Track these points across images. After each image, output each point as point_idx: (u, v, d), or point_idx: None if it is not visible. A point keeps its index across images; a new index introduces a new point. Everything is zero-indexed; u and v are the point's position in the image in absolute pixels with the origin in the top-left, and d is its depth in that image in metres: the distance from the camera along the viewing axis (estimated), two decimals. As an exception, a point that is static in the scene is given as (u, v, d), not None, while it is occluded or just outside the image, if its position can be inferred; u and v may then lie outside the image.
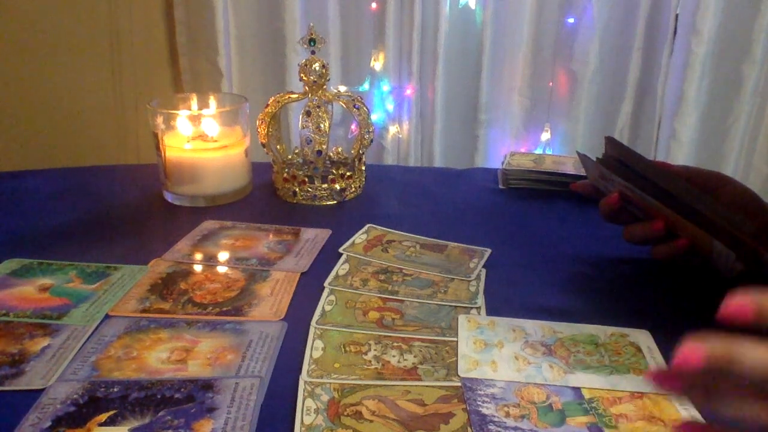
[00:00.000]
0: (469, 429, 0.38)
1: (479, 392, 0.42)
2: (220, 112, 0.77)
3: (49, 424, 0.38)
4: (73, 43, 1.31)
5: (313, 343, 0.46)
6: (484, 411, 0.40)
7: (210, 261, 0.60)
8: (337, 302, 0.52)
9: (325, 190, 0.74)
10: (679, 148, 1.31)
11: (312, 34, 0.72)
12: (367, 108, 0.75)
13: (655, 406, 0.41)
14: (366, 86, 1.36)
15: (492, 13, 1.27)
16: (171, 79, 1.38)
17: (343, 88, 1.27)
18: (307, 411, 0.39)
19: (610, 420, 0.40)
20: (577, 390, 0.42)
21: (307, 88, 0.73)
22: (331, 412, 0.39)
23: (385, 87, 1.35)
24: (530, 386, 0.43)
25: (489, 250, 0.63)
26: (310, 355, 0.45)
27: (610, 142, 0.58)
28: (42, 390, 0.41)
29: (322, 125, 0.71)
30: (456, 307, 0.52)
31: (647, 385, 0.43)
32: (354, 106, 0.74)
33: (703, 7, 1.21)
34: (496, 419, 0.39)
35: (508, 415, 0.40)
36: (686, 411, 0.40)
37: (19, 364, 0.43)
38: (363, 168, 0.78)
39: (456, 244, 0.64)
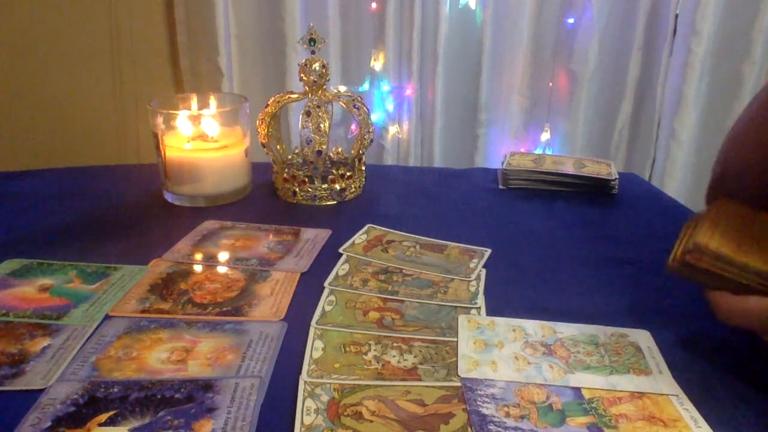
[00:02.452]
0: (469, 429, 0.38)
1: (479, 392, 0.42)
2: (220, 112, 0.77)
3: (49, 424, 0.38)
4: (73, 43, 1.31)
5: (313, 343, 0.46)
6: (484, 411, 0.40)
7: (210, 261, 0.60)
8: (337, 302, 0.52)
9: (325, 190, 0.74)
10: (678, 147, 1.31)
11: (312, 34, 0.72)
12: (367, 108, 0.75)
13: (655, 406, 0.41)
14: (366, 86, 1.36)
15: (492, 13, 1.28)
16: (171, 79, 1.38)
17: (343, 88, 1.27)
18: (307, 411, 0.39)
19: (610, 420, 0.40)
20: (577, 390, 0.42)
21: (307, 88, 0.73)
22: (331, 413, 0.39)
23: (385, 87, 1.35)
24: (530, 386, 0.43)
25: (489, 250, 0.63)
26: (310, 355, 0.45)
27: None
28: (42, 390, 0.41)
29: (322, 125, 0.71)
30: (456, 307, 0.52)
31: (647, 385, 0.43)
32: (354, 106, 0.74)
33: (703, 7, 1.21)
34: (496, 419, 0.39)
35: (508, 415, 0.40)
36: (686, 411, 0.40)
37: (19, 364, 0.43)
38: (363, 168, 0.78)
39: (456, 244, 0.64)
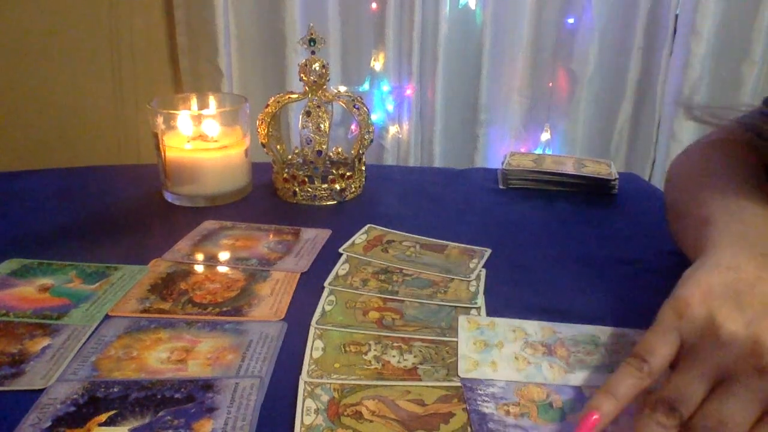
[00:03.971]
0: (469, 429, 0.38)
1: (479, 391, 0.42)
2: (221, 112, 0.77)
3: (49, 424, 0.38)
4: (73, 44, 1.31)
5: (313, 343, 0.46)
6: (484, 410, 0.40)
7: (210, 261, 0.60)
8: (337, 302, 0.52)
9: (325, 190, 0.74)
10: (678, 148, 1.31)
11: (312, 34, 0.72)
12: (367, 108, 0.75)
13: None
14: (366, 86, 1.36)
15: (492, 13, 1.28)
16: (171, 80, 1.38)
17: (343, 88, 1.27)
18: (307, 411, 0.39)
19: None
20: (577, 389, 0.43)
21: (307, 88, 0.73)
22: (331, 412, 0.39)
23: (385, 87, 1.35)
24: (530, 385, 0.43)
25: (489, 250, 0.63)
26: (310, 355, 0.45)
27: None
28: (42, 390, 0.41)
29: (322, 125, 0.71)
30: (456, 307, 0.52)
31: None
32: (354, 106, 0.74)
33: (703, 7, 1.22)
34: (496, 417, 0.39)
35: (508, 413, 0.40)
36: None
37: (19, 364, 0.43)
38: (363, 168, 0.78)
39: (456, 244, 0.64)
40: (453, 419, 0.39)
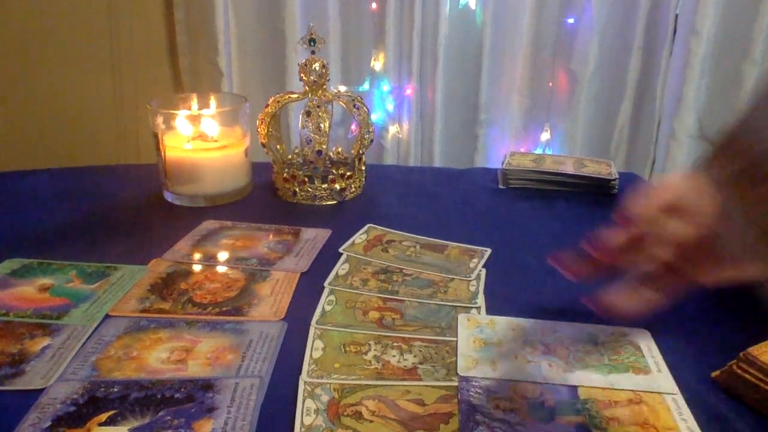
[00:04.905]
0: (468, 428, 0.38)
1: (473, 383, 0.42)
2: (220, 112, 0.77)
3: (49, 424, 0.38)
4: (73, 43, 1.31)
5: (313, 343, 0.46)
6: (474, 401, 0.40)
7: (210, 261, 0.60)
8: (337, 302, 0.52)
9: (325, 190, 0.74)
10: (678, 147, 1.31)
11: (312, 34, 0.72)
12: (367, 108, 0.75)
13: (652, 413, 0.41)
14: (366, 86, 1.36)
15: (492, 13, 1.27)
16: (171, 79, 1.38)
17: (343, 88, 1.27)
18: (307, 411, 0.39)
19: (601, 422, 0.39)
20: (572, 390, 0.42)
21: (307, 88, 0.73)
22: (331, 413, 0.39)
23: (385, 87, 1.35)
24: (525, 383, 0.43)
25: (489, 250, 0.63)
26: (310, 355, 0.45)
27: None
28: (42, 390, 0.41)
29: (322, 125, 0.71)
30: (456, 306, 0.52)
31: (646, 384, 0.43)
32: (354, 106, 0.74)
33: (703, 8, 1.21)
34: (484, 410, 0.39)
35: (497, 407, 0.40)
36: (684, 422, 0.40)
37: (19, 364, 0.43)
38: (363, 168, 0.78)
39: (456, 244, 0.64)
40: (453, 419, 0.39)
